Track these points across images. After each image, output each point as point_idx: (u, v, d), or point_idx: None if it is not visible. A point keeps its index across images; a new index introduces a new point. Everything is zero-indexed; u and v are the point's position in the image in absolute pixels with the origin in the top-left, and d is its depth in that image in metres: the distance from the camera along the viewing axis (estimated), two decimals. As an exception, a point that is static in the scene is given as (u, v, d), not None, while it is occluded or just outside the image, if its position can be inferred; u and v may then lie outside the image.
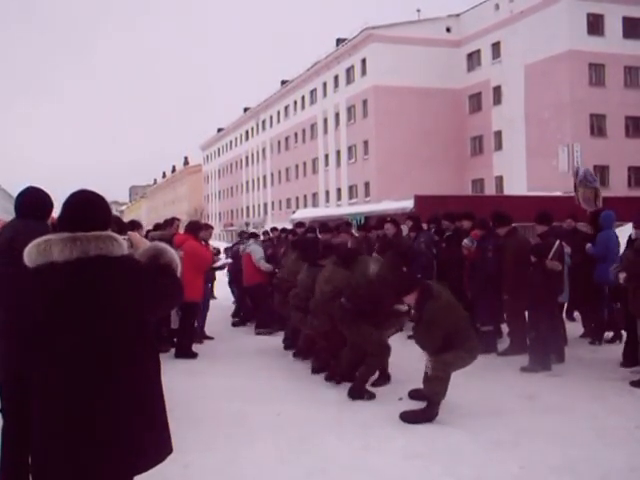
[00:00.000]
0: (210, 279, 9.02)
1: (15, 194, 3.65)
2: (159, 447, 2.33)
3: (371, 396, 5.39)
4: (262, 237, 11.33)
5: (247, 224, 55.81)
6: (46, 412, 2.18)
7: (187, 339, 7.50)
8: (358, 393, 5.38)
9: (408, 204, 17.37)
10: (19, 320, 2.47)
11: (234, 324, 10.13)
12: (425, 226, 9.32)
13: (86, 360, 2.14)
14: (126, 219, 12.36)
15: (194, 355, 7.41)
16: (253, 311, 9.84)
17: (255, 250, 9.28)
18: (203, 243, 8.04)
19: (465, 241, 7.49)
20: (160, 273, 2.31)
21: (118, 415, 2.16)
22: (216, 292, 13.75)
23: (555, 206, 10.52)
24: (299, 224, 11.98)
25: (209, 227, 8.96)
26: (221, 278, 13.61)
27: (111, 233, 2.26)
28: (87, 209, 2.27)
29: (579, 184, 9.88)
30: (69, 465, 2.13)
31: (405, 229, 9.38)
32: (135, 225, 8.21)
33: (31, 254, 2.18)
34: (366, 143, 40.63)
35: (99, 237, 2.19)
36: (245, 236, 10.80)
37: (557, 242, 6.53)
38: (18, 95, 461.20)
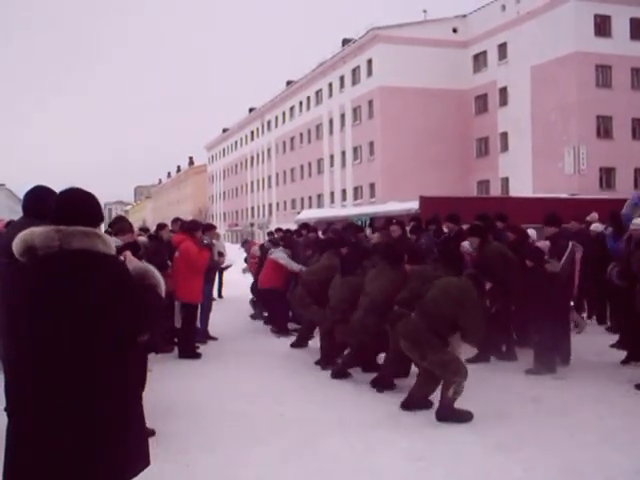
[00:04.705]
0: (211, 280, 8.97)
1: (21, 194, 3.68)
2: (133, 460, 2.28)
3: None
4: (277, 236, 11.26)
5: (252, 224, 55.88)
6: (16, 413, 2.17)
7: (189, 339, 7.50)
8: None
9: (413, 205, 17.33)
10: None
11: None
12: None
13: (58, 356, 2.12)
14: (131, 219, 12.38)
15: (198, 356, 7.40)
16: (269, 313, 9.74)
17: (281, 256, 9.12)
18: (205, 242, 7.98)
19: (464, 246, 7.38)
20: (144, 288, 2.31)
21: (88, 424, 2.13)
22: (225, 292, 13.79)
23: (561, 208, 10.47)
24: (304, 225, 11.97)
25: (212, 227, 8.86)
26: (231, 279, 13.63)
27: (97, 230, 2.26)
28: (72, 205, 2.28)
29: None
30: (37, 474, 2.11)
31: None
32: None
33: (17, 246, 2.21)
34: (371, 144, 40.59)
35: (83, 232, 2.20)
36: (273, 239, 10.70)
37: (570, 245, 6.51)
38: (22, 95, 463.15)
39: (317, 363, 6.89)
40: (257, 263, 11.02)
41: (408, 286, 5.61)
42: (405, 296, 5.45)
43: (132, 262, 2.47)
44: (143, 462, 2.32)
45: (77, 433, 2.11)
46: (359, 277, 6.39)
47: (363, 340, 6.08)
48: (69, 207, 2.27)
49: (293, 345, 7.96)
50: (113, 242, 2.32)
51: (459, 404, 4.85)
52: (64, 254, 2.16)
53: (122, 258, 2.46)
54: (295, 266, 8.90)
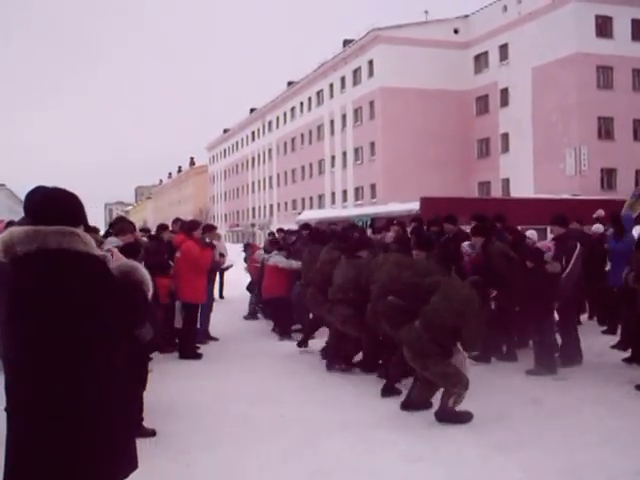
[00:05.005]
0: (212, 280, 8.95)
1: (21, 194, 3.69)
2: (127, 461, 2.28)
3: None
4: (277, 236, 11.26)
5: (253, 225, 55.89)
6: (16, 413, 2.17)
7: (190, 340, 7.50)
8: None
9: (414, 206, 17.37)
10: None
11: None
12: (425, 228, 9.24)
13: (46, 356, 2.12)
14: (132, 220, 12.35)
15: (198, 356, 7.40)
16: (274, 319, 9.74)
17: (279, 260, 9.10)
18: (207, 241, 7.97)
19: (464, 247, 7.36)
20: (129, 285, 2.29)
21: (87, 424, 2.13)
22: (226, 293, 13.78)
23: (562, 209, 10.49)
24: (305, 225, 11.97)
25: (212, 228, 8.86)
26: (230, 280, 13.60)
27: (77, 230, 2.24)
28: (50, 205, 2.26)
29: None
30: (37, 474, 2.13)
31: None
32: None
33: None
34: (372, 145, 40.61)
35: (60, 231, 2.18)
36: (273, 239, 10.63)
37: (578, 246, 6.51)
38: (22, 95, 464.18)
39: (321, 352, 6.98)
40: (258, 267, 11.02)
41: (404, 274, 5.63)
42: (399, 285, 5.48)
43: (118, 259, 2.45)
44: (133, 464, 2.31)
45: (76, 433, 2.12)
46: (365, 260, 6.41)
47: (372, 334, 6.10)
48: (50, 207, 2.25)
49: (300, 344, 7.95)
50: (110, 243, 2.31)
51: (461, 403, 4.85)
52: (43, 254, 2.15)
53: (110, 255, 2.44)
54: (295, 264, 8.90)
